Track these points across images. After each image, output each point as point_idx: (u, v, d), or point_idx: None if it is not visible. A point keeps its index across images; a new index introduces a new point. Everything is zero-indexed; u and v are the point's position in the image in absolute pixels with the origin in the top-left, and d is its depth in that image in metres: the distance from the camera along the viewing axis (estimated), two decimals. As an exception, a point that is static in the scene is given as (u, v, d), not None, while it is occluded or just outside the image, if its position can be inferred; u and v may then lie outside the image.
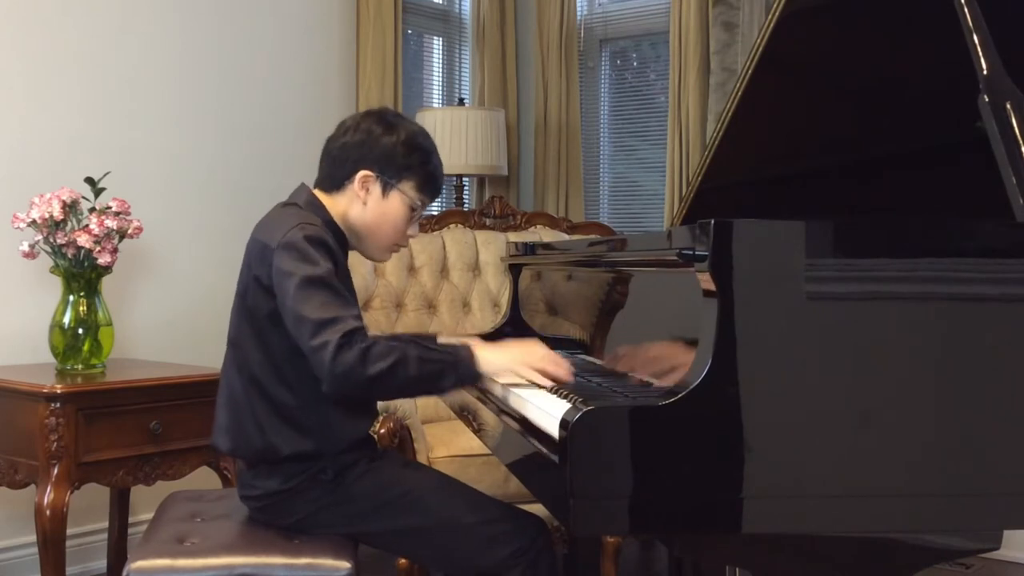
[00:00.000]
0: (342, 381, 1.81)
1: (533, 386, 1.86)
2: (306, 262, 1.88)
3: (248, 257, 2.01)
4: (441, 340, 2.07)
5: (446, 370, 1.87)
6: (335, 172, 2.07)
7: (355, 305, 1.92)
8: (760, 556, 1.59)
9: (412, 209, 2.09)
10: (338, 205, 2.07)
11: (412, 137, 2.08)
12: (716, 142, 2.39)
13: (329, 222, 2.05)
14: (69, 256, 2.80)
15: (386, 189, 2.06)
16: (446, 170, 3.85)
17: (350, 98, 3.91)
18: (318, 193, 2.09)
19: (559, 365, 1.88)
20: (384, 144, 2.05)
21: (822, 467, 1.44)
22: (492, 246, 3.49)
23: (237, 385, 2.02)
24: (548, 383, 1.85)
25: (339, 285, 1.90)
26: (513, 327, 2.65)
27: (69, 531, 2.60)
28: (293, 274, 1.87)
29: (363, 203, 2.06)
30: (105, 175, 2.94)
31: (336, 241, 2.03)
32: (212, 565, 1.91)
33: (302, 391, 1.96)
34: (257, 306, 1.97)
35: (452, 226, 3.53)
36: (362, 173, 2.04)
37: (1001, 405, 1.49)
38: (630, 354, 1.90)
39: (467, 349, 1.91)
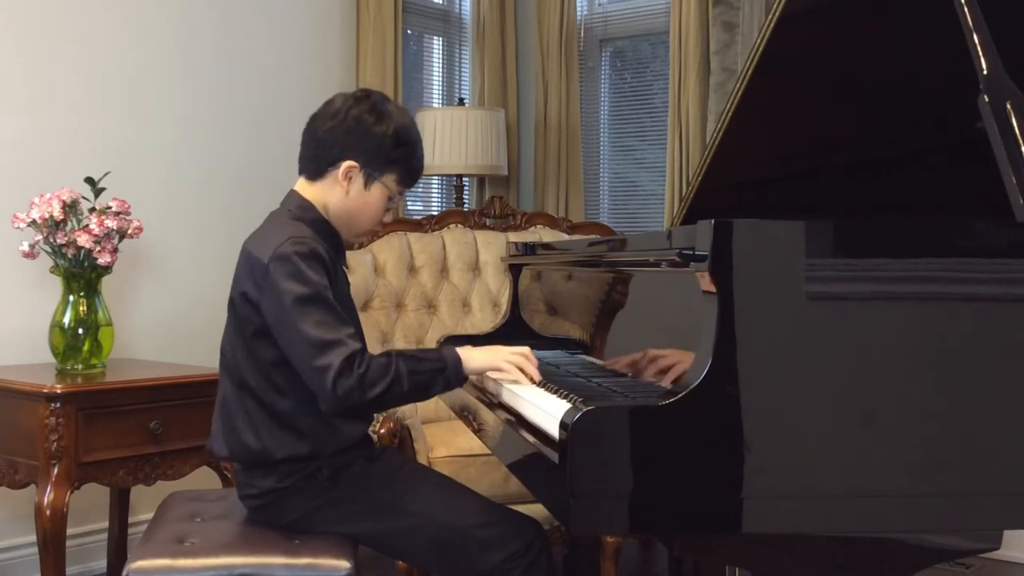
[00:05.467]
0: (342, 404, 1.86)
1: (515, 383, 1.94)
2: (299, 280, 1.88)
3: (239, 269, 2.00)
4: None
5: (435, 377, 1.94)
6: (320, 156, 2.06)
7: (349, 322, 1.92)
8: (760, 556, 1.59)
9: (390, 199, 2.10)
10: (320, 194, 2.07)
11: (401, 130, 2.06)
12: (716, 142, 2.39)
13: (318, 222, 2.05)
14: (69, 256, 2.80)
15: (369, 181, 2.05)
16: (446, 170, 3.90)
17: (350, 98, 3.91)
18: (302, 183, 2.09)
19: (530, 362, 1.95)
20: (374, 135, 2.03)
21: (822, 467, 1.44)
22: (492, 246, 3.49)
23: (229, 390, 2.02)
24: (524, 379, 1.92)
25: (333, 301, 1.91)
26: (513, 327, 2.65)
27: (69, 531, 2.60)
28: (287, 292, 1.87)
29: (345, 192, 2.05)
30: (105, 175, 2.94)
31: (329, 243, 2.03)
32: (212, 565, 1.91)
33: (295, 396, 1.96)
34: (247, 319, 1.97)
35: (452, 226, 3.52)
36: (347, 164, 2.03)
37: (1001, 405, 1.48)
38: (631, 354, 1.90)
39: (453, 352, 1.96)
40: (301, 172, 2.10)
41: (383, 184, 2.06)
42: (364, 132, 2.03)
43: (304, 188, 2.08)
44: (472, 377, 2.04)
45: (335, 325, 1.87)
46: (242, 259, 2.00)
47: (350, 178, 2.04)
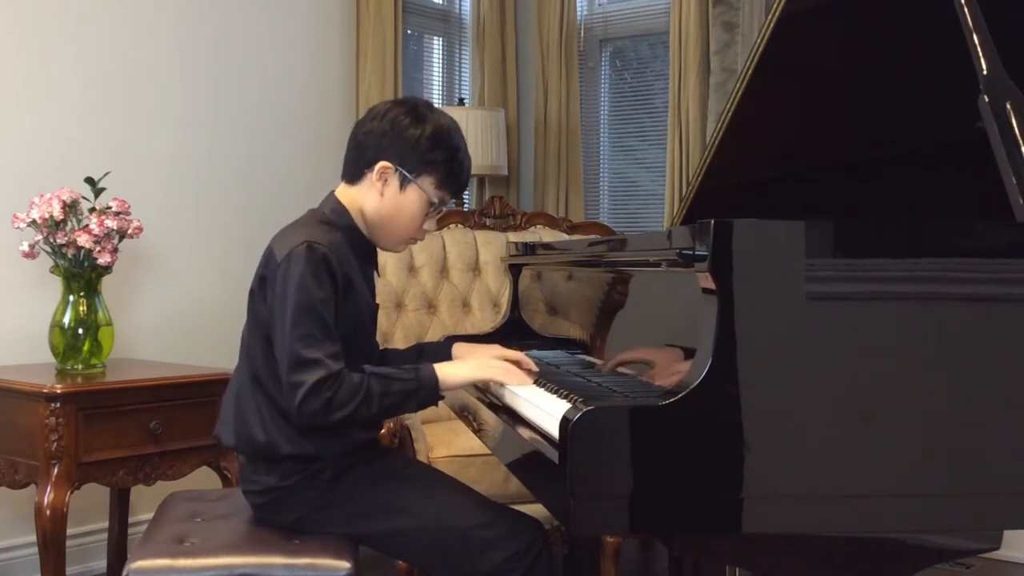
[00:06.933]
0: (306, 422, 1.90)
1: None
2: (301, 286, 1.88)
3: (261, 261, 2.01)
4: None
5: (408, 398, 1.94)
6: (357, 158, 2.06)
7: (335, 339, 1.91)
8: (760, 556, 1.59)
9: (430, 204, 2.06)
10: (358, 198, 2.06)
11: (439, 131, 2.03)
12: (716, 142, 2.39)
13: (349, 228, 2.04)
14: (69, 256, 2.80)
15: (404, 183, 2.03)
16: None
17: (350, 98, 3.91)
18: (342, 187, 2.09)
19: (520, 362, 1.98)
20: (408, 136, 2.02)
21: (822, 467, 1.44)
22: (492, 246, 3.49)
23: (244, 381, 2.03)
24: (517, 382, 1.92)
25: (326, 314, 1.90)
26: (513, 327, 2.65)
27: (69, 531, 2.60)
28: (286, 296, 1.89)
29: (380, 194, 2.03)
30: (105, 175, 2.94)
31: (357, 251, 2.04)
32: (212, 565, 1.91)
33: None
34: (262, 312, 1.98)
35: (452, 226, 3.53)
36: (381, 164, 2.02)
37: (1001, 405, 1.48)
38: (630, 355, 1.90)
39: (430, 370, 1.95)
40: (343, 176, 2.10)
41: (419, 187, 2.03)
42: (399, 132, 2.02)
43: (343, 192, 2.09)
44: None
45: (319, 342, 1.87)
46: (265, 253, 2.02)
47: (385, 179, 2.03)
